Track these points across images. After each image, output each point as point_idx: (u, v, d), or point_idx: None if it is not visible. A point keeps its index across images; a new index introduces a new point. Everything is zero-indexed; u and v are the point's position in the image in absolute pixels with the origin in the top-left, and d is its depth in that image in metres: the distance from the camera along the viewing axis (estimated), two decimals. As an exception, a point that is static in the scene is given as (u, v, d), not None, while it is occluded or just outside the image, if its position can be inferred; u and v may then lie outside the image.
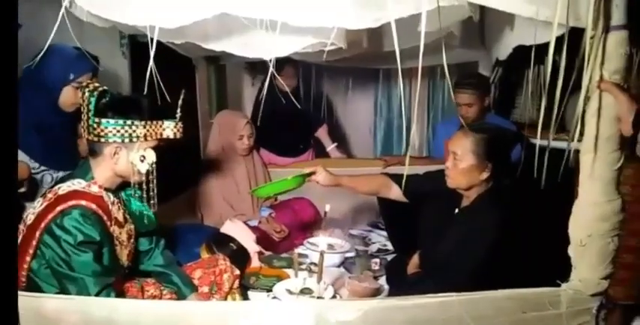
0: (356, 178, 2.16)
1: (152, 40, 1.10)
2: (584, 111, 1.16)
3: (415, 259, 2.03)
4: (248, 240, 2.40)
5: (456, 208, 1.89)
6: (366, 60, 3.02)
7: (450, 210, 1.90)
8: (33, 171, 1.89)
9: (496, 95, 2.89)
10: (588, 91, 1.14)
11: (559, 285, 1.24)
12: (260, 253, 2.42)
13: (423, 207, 2.01)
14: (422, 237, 2.01)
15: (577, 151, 1.22)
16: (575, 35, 1.10)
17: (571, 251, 1.24)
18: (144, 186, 1.58)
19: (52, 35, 1.12)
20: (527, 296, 1.25)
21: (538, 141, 1.16)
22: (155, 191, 1.60)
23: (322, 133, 3.42)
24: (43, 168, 1.91)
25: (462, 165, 1.76)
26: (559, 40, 1.08)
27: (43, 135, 1.88)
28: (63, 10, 1.12)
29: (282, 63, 2.89)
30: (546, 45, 1.18)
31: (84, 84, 1.51)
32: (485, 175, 1.76)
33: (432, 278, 1.78)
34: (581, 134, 1.19)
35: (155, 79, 1.15)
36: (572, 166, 1.22)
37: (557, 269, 1.26)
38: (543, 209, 1.67)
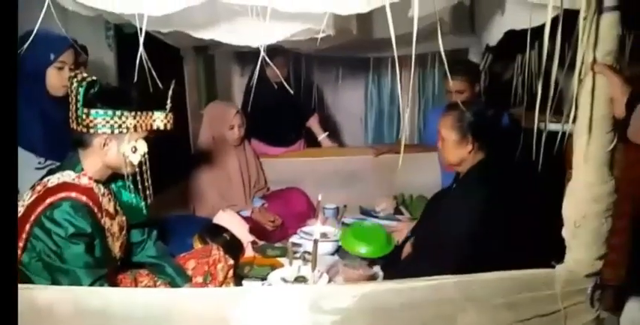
0: None
1: (141, 29, 1.07)
2: (577, 93, 1.17)
3: (409, 244, 2.05)
4: (241, 230, 2.40)
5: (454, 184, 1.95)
6: (355, 48, 3.00)
7: (446, 191, 1.95)
8: (39, 165, 1.81)
9: (486, 82, 2.89)
10: (581, 73, 1.14)
11: (553, 267, 1.25)
12: (254, 243, 2.42)
13: None
14: (418, 221, 2.05)
15: (565, 134, 1.23)
16: (565, 17, 1.09)
17: (565, 232, 1.25)
18: (137, 178, 1.57)
19: (38, 25, 1.09)
20: (522, 278, 1.26)
21: (536, 124, 1.17)
22: (149, 182, 1.59)
23: (313, 123, 3.40)
24: (49, 162, 1.82)
25: (448, 142, 1.87)
26: (552, 23, 1.08)
27: (45, 127, 1.81)
28: (48, -1, 1.09)
29: (272, 52, 2.86)
30: (536, 29, 1.18)
31: (72, 74, 1.48)
32: (469, 147, 1.84)
33: (424, 259, 1.81)
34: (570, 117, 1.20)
35: (146, 67, 1.12)
36: (564, 149, 1.23)
37: (551, 251, 1.27)
38: (536, 191, 1.69)
